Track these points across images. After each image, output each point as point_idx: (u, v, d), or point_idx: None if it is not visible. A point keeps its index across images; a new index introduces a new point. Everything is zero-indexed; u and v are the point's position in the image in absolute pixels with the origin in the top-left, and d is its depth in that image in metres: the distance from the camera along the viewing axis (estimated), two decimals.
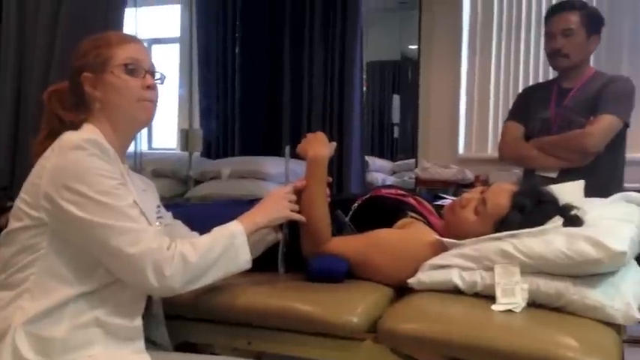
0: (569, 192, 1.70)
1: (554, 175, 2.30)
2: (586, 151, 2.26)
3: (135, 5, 3.89)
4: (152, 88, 1.35)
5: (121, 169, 1.31)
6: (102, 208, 1.19)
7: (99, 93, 1.32)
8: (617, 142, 2.31)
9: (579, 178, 1.88)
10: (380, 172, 4.65)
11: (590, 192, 1.79)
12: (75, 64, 1.35)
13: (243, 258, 1.33)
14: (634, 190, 1.78)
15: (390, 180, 4.56)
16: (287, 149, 1.63)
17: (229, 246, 1.30)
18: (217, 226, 1.34)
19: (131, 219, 1.21)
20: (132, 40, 1.39)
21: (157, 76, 1.39)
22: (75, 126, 1.32)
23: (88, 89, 1.32)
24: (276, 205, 1.45)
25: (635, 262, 1.50)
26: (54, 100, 1.37)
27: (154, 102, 1.36)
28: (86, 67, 1.32)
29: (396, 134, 4.96)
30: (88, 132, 1.29)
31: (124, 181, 1.28)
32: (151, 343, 1.43)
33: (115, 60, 1.32)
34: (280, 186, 1.57)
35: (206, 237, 1.31)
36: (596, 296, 1.27)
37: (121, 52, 1.33)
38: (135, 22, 3.94)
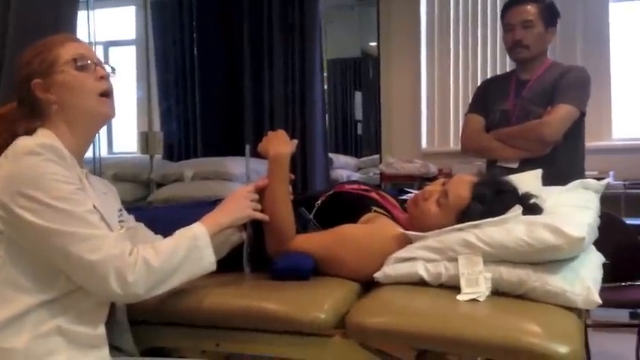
0: (528, 181, 1.73)
1: (514, 165, 2.34)
2: (544, 141, 2.30)
3: (88, 8, 3.81)
4: (105, 78, 1.33)
5: (79, 174, 1.28)
6: (60, 214, 1.16)
7: (53, 96, 1.29)
8: (576, 131, 2.36)
9: (540, 168, 1.91)
10: (345, 168, 4.67)
11: (551, 181, 1.82)
12: (21, 75, 1.31)
13: (208, 260, 1.31)
14: (592, 178, 1.82)
15: (356, 176, 4.59)
16: (247, 148, 1.62)
17: (193, 248, 1.28)
18: (180, 229, 1.32)
19: (91, 225, 1.19)
20: (73, 38, 1.37)
21: (108, 69, 1.37)
22: (28, 132, 1.28)
23: (41, 95, 1.29)
24: (238, 204, 1.44)
25: (594, 248, 1.54)
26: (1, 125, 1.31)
27: (110, 93, 1.34)
28: (34, 73, 1.29)
29: (359, 131, 4.99)
30: (43, 137, 1.26)
31: (83, 185, 1.25)
32: (116, 350, 1.41)
33: (62, 58, 1.30)
34: (243, 185, 1.56)
35: (169, 240, 1.29)
36: (557, 282, 1.30)
37: (65, 51, 1.31)
38: (90, 24, 3.86)
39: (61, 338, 1.22)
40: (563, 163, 2.31)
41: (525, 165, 2.24)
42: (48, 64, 1.29)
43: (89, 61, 1.31)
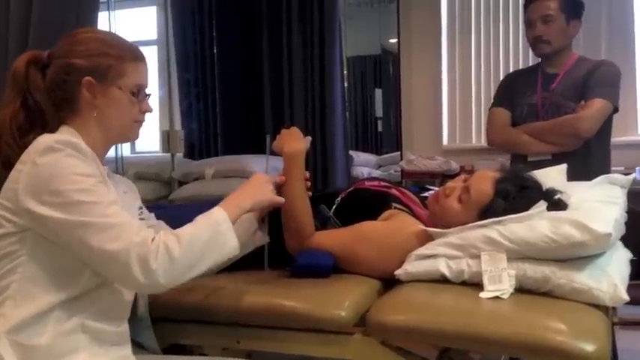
0: (553, 176, 1.70)
1: (548, 157, 2.28)
2: (579, 136, 2.24)
3: (109, 9, 3.85)
4: (148, 112, 1.36)
5: (101, 170, 1.28)
6: (80, 206, 1.15)
7: (98, 102, 1.28)
8: (606, 127, 2.31)
9: (572, 164, 1.87)
10: (365, 166, 4.64)
11: (583, 177, 1.78)
12: (75, 61, 1.27)
13: (230, 245, 1.26)
14: (619, 173, 1.78)
15: (376, 174, 4.56)
16: (268, 139, 1.59)
17: (215, 234, 1.23)
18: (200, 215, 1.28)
19: (112, 215, 1.17)
20: (142, 58, 1.35)
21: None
22: (52, 129, 1.28)
23: (86, 95, 1.27)
24: (259, 188, 1.40)
25: (621, 244, 1.51)
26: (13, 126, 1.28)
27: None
28: (91, 71, 1.27)
29: (380, 128, 4.96)
30: (65, 135, 1.26)
31: (104, 180, 1.26)
32: (138, 347, 1.41)
33: (127, 79, 1.29)
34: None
35: (189, 227, 1.24)
36: (583, 279, 1.27)
37: (134, 73, 1.31)
38: (111, 24, 3.90)
39: (84, 335, 1.22)
40: (595, 158, 2.26)
41: (558, 160, 2.18)
42: (113, 74, 1.28)
43: (144, 91, 1.34)
